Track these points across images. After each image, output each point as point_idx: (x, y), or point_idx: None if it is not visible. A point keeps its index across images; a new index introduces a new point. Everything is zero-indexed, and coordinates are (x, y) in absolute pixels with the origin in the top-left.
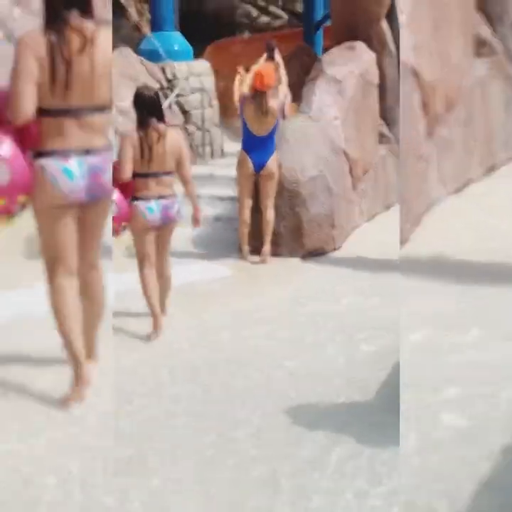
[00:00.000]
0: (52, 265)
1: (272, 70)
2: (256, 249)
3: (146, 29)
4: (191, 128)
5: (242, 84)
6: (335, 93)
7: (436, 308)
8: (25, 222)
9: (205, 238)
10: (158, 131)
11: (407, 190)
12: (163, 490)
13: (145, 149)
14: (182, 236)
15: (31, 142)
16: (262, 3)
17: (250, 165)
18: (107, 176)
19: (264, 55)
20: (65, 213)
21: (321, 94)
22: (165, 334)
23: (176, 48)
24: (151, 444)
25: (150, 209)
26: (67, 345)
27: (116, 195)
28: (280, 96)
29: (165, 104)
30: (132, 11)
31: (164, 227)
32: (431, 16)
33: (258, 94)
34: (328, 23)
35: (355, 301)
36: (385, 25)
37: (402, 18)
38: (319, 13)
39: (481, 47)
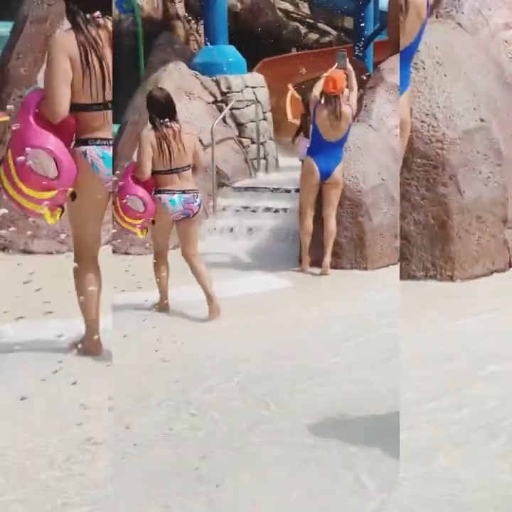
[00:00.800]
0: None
1: (342, 75)
2: (316, 261)
3: (200, 43)
4: (246, 141)
5: (293, 98)
6: (395, 101)
7: None
8: None
9: (262, 250)
10: (173, 129)
11: None
12: None
13: (164, 147)
14: (239, 248)
15: (71, 135)
16: (310, 20)
17: (317, 173)
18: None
19: (335, 64)
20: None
21: (381, 103)
22: (223, 344)
23: (230, 60)
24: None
25: (172, 201)
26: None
27: (141, 191)
28: (351, 103)
29: (219, 117)
30: (181, 27)
31: (186, 219)
32: None
33: (331, 99)
34: (378, 38)
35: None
36: None
37: None
38: (370, 28)
39: None
